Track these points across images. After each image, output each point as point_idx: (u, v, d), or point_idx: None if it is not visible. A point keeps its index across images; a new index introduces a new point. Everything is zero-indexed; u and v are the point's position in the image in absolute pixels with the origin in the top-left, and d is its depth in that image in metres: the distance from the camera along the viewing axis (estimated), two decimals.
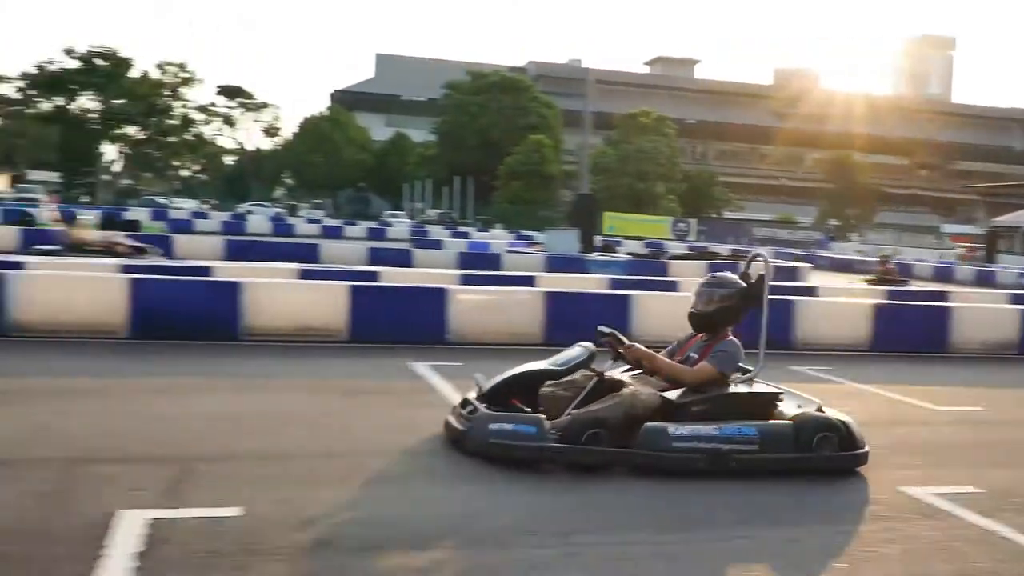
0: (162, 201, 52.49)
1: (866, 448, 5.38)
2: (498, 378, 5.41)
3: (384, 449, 5.32)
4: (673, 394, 5.29)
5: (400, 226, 41.38)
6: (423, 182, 61.24)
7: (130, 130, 69.02)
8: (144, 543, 3.66)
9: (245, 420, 5.99)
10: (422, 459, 5.23)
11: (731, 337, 5.54)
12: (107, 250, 14.65)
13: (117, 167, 71.71)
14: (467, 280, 11.64)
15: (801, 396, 5.75)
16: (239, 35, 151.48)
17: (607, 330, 5.61)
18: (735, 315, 5.56)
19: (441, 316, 9.50)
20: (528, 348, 9.61)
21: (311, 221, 41.33)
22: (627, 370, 5.60)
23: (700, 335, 5.64)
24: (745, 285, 5.61)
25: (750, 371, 5.63)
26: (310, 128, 71.17)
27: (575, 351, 5.42)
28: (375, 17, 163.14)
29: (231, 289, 9.19)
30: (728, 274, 5.82)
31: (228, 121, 75.46)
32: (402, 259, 20.07)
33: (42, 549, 3.62)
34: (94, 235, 16.01)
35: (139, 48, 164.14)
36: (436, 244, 27.98)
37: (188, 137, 71.86)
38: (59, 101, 66.23)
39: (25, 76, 69.33)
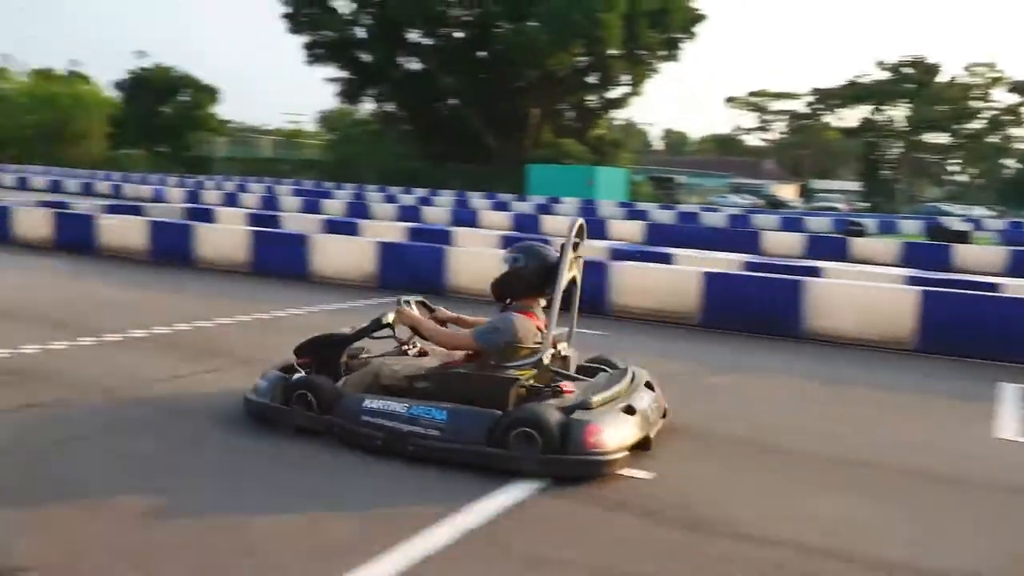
0: (949, 209, 50.68)
1: (600, 457, 4.45)
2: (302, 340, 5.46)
3: None
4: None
5: None
6: None
7: (931, 136, 68.36)
8: None
9: None
10: None
11: (516, 313, 4.96)
12: None
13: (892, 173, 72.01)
14: None
15: (600, 383, 5.03)
16: None
17: (404, 298, 5.41)
18: (517, 287, 5.07)
19: None
20: None
21: None
22: None
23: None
24: (553, 256, 5.03)
25: (536, 353, 4.87)
26: None
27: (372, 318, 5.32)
28: None
29: None
30: (538, 244, 5.23)
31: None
32: None
33: None
34: None
35: (947, 52, 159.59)
36: None
37: (993, 140, 68.08)
38: (863, 112, 69.07)
39: (815, 91, 74.55)
